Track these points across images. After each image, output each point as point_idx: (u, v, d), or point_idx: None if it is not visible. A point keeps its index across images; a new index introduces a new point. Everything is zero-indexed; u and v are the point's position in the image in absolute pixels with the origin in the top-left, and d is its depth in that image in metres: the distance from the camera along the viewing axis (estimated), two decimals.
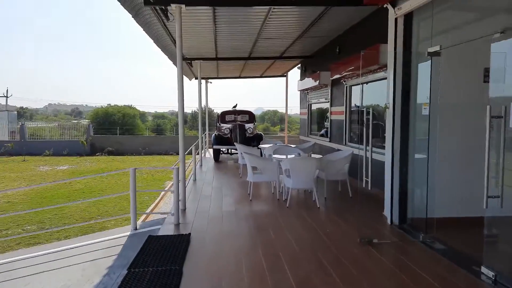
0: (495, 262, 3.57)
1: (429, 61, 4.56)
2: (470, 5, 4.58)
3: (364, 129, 5.02)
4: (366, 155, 5.12)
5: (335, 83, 9.84)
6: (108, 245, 5.02)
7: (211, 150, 14.21)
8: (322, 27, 8.51)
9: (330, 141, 10.46)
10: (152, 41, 8.59)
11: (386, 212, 5.43)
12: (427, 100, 4.70)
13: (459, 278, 3.64)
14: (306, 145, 10.13)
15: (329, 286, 3.50)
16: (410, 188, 5.13)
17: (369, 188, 5.10)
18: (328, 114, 10.65)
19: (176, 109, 5.84)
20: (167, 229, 5.29)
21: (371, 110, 4.93)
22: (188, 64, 12.15)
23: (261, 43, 9.88)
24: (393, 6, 5.07)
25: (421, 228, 4.75)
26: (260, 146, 10.46)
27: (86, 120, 40.11)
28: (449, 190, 4.94)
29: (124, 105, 42.78)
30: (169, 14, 6.14)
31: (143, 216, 8.81)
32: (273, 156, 7.64)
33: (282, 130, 41.20)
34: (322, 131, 11.73)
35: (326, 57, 10.53)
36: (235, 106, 14.93)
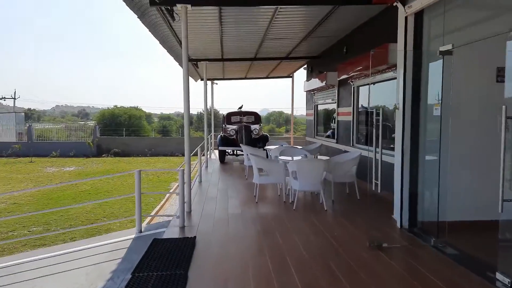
0: (511, 268, 3.43)
1: (440, 61, 4.44)
2: (483, 2, 4.46)
3: (374, 130, 4.90)
4: (375, 157, 5.00)
5: (342, 83, 9.73)
6: (113, 248, 4.96)
7: (216, 152, 14.16)
8: (329, 27, 8.41)
9: (337, 143, 10.33)
10: (158, 42, 8.55)
11: (396, 215, 5.30)
12: (437, 100, 4.58)
13: (472, 284, 3.52)
14: (312, 146, 10.02)
15: None
16: (420, 191, 5.00)
17: (379, 191, 4.98)
18: (335, 115, 10.53)
19: (182, 111, 5.78)
20: (172, 232, 5.22)
21: (381, 111, 4.82)
22: (194, 65, 12.11)
23: (267, 43, 9.80)
24: (403, 4, 4.96)
25: (432, 232, 4.62)
26: (266, 147, 10.37)
27: (93, 122, 40.34)
28: (461, 193, 4.81)
29: (130, 107, 42.99)
30: (175, 15, 6.09)
31: (148, 219, 8.77)
32: (280, 157, 7.54)
33: (287, 131, 41.11)
34: (329, 132, 11.61)
35: (333, 58, 10.41)
36: (240, 107, 14.87)
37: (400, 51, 5.09)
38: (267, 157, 9.46)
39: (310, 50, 11.20)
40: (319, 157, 8.57)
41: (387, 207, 5.66)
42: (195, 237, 4.88)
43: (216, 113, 25.68)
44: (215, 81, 16.88)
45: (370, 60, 6.06)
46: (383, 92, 7.54)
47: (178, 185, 5.70)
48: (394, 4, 5.09)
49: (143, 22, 6.82)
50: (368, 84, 8.17)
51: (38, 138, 28.38)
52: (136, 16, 6.43)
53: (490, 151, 4.77)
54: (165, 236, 5.04)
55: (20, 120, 30.68)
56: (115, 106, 41.84)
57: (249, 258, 4.26)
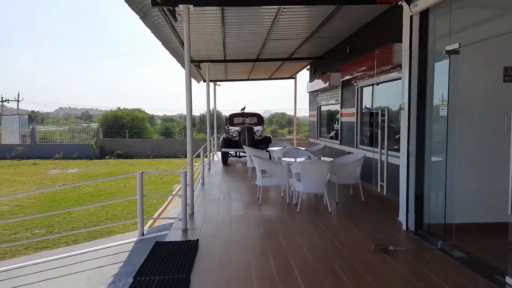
0: None
1: (447, 60, 4.36)
2: (489, 1, 4.38)
3: (379, 131, 4.83)
4: (381, 158, 4.93)
5: (346, 84, 9.65)
6: (115, 251, 4.91)
7: (219, 153, 14.11)
8: (333, 27, 8.34)
9: (340, 144, 10.25)
10: (160, 43, 8.51)
11: (401, 217, 5.22)
12: (443, 101, 4.50)
13: None
14: (316, 147, 9.95)
15: None
16: (426, 192, 4.92)
17: (385, 193, 4.90)
18: (338, 116, 10.45)
19: (185, 112, 5.73)
20: (175, 235, 5.16)
21: (386, 112, 4.74)
22: (196, 67, 12.08)
23: (270, 44, 9.75)
24: (408, 3, 4.89)
25: (439, 235, 4.53)
26: (269, 149, 10.30)
27: (96, 124, 40.42)
28: (469, 194, 4.72)
29: (133, 109, 43.08)
30: (177, 15, 6.05)
31: (151, 221, 8.71)
32: (283, 159, 7.48)
33: (290, 132, 41.01)
34: (332, 134, 11.54)
35: (336, 58, 10.35)
36: (243, 109, 14.82)
37: (405, 50, 5.01)
38: (270, 158, 9.39)
39: (313, 50, 11.13)
40: (322, 158, 8.50)
41: (392, 209, 5.58)
42: (197, 240, 4.82)
43: (218, 114, 25.66)
44: (218, 83, 16.84)
45: (375, 60, 5.99)
46: (388, 93, 7.46)
47: (180, 187, 5.64)
48: (399, 3, 5.02)
49: (145, 23, 6.78)
50: (372, 84, 8.10)
51: (41, 140, 28.41)
52: (138, 17, 6.38)
53: (499, 152, 4.69)
54: (167, 239, 4.98)
55: (23, 122, 30.72)
56: (118, 108, 41.93)
57: (252, 261, 4.20)
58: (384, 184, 4.86)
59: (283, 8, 6.78)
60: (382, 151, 5.05)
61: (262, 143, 12.45)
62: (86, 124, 46.97)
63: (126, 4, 5.67)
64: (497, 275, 3.53)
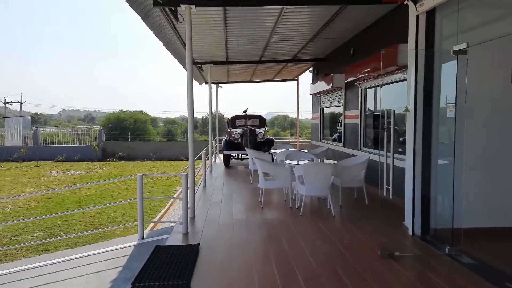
0: None
1: (454, 61, 4.26)
2: (497, 0, 4.28)
3: (385, 133, 4.71)
4: (386, 161, 4.81)
5: (349, 86, 9.55)
6: (114, 255, 4.81)
7: (221, 155, 14.01)
8: (336, 28, 8.25)
9: (344, 146, 10.14)
10: (162, 44, 8.45)
11: (407, 221, 5.10)
12: (451, 102, 4.39)
13: None
14: (319, 150, 9.84)
15: None
16: (433, 196, 4.80)
17: (391, 197, 4.79)
18: (342, 118, 10.34)
19: (187, 115, 5.65)
20: (175, 239, 5.06)
21: (392, 114, 4.63)
22: (198, 68, 12.01)
23: (273, 45, 9.66)
24: (415, 2, 4.80)
25: (447, 240, 4.41)
26: (272, 151, 10.20)
27: (98, 126, 40.43)
28: (477, 198, 4.60)
29: (136, 111, 43.15)
30: (178, 16, 5.98)
31: (151, 224, 8.62)
32: (285, 161, 7.37)
33: (292, 135, 40.92)
34: (335, 136, 11.43)
35: (340, 60, 10.25)
36: (245, 111, 14.73)
37: (411, 50, 4.91)
38: (273, 161, 9.29)
39: (316, 52, 11.04)
40: (325, 161, 8.39)
41: (398, 213, 5.46)
42: (198, 244, 4.72)
43: (220, 116, 25.58)
44: (220, 85, 16.78)
45: (380, 60, 5.88)
46: (392, 94, 7.36)
47: (181, 190, 5.55)
48: (405, 2, 4.93)
49: (146, 24, 6.71)
50: (376, 86, 7.99)
51: (44, 142, 28.43)
52: (140, 17, 6.32)
53: (508, 154, 4.58)
54: (168, 243, 4.88)
55: (26, 124, 30.72)
56: (121, 110, 42.01)
57: (254, 265, 4.10)
58: (390, 187, 4.74)
59: (286, 8, 6.69)
60: (388, 153, 4.94)
61: (264, 145, 12.36)
62: (88, 126, 46.96)
63: (127, 4, 5.62)
64: (506, 282, 3.41)
